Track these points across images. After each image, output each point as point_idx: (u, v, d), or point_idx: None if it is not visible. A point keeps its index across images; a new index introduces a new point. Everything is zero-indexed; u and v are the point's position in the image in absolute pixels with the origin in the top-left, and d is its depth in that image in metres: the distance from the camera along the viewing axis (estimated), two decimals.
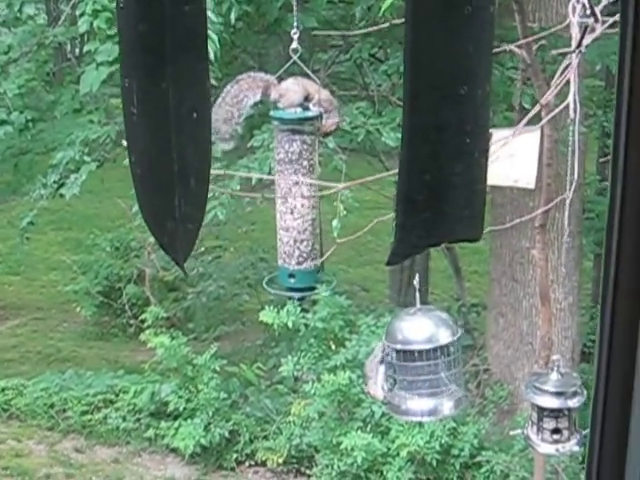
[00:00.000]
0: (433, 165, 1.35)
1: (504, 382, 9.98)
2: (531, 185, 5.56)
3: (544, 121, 4.94)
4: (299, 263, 3.93)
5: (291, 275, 3.95)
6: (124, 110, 1.45)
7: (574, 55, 3.92)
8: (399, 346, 4.26)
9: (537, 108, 5.07)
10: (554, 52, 5.63)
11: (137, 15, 1.31)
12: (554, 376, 4.14)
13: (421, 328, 4.33)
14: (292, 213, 3.98)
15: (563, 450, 4.23)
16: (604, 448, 1.39)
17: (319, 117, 3.96)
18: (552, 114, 4.79)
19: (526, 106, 7.46)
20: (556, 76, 4.60)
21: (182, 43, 1.33)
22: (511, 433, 6.01)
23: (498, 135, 5.40)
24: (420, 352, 4.23)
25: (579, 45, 3.75)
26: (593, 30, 3.78)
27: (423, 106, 1.34)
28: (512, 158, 5.22)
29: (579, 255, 9.67)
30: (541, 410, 4.14)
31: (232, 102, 3.98)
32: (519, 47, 5.58)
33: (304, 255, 3.95)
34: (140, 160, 1.51)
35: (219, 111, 3.94)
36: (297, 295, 4.38)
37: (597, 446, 1.38)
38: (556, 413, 4.10)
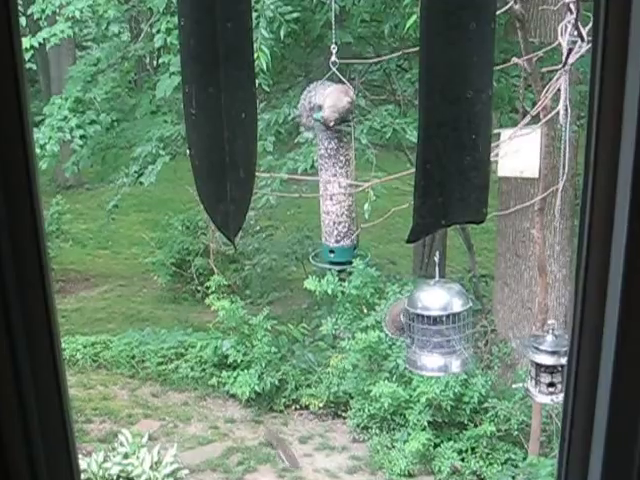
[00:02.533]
0: (444, 158, 1.34)
1: (508, 341, 9.94)
2: (535, 175, 5.53)
3: (542, 122, 4.90)
4: (337, 241, 3.96)
5: (331, 251, 3.98)
6: (185, 111, 1.46)
7: (562, 72, 3.89)
8: (419, 311, 4.27)
9: (532, 114, 5.03)
10: (545, 69, 5.59)
11: (190, 31, 1.30)
12: (550, 338, 4.12)
13: (438, 298, 4.34)
14: (331, 199, 3.99)
15: (557, 400, 4.22)
16: (577, 397, 1.37)
17: (353, 119, 3.96)
18: (548, 117, 4.75)
19: (528, 109, 7.39)
20: (546, 89, 4.57)
21: (229, 55, 1.33)
22: (513, 386, 5.99)
23: (505, 134, 5.37)
24: (435, 318, 4.23)
25: (564, 64, 3.72)
26: (580, 48, 3.75)
27: (435, 108, 1.33)
28: (518, 153, 5.19)
29: (571, 234, 9.60)
30: (538, 367, 4.12)
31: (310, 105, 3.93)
32: (521, 59, 5.54)
33: (341, 234, 3.97)
34: (198, 153, 1.51)
35: (304, 105, 3.92)
36: (336, 268, 4.41)
37: (571, 395, 1.36)
38: (551, 369, 4.09)
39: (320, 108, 3.84)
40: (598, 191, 1.26)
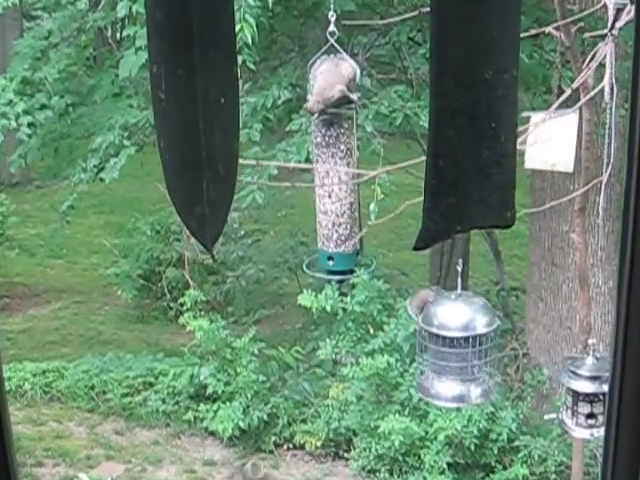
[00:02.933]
0: (460, 152, 1.35)
1: (543, 366, 9.94)
2: (569, 169, 5.52)
3: (580, 103, 4.91)
4: (337, 246, 3.97)
5: (330, 258, 3.99)
6: (152, 96, 1.46)
7: (608, 38, 3.90)
8: (435, 330, 4.27)
9: (568, 92, 5.04)
10: (587, 35, 5.60)
11: (153, 1, 1.32)
12: (589, 360, 4.14)
13: (459, 315, 4.34)
14: (330, 197, 4.01)
15: (598, 435, 4.22)
16: (620, 436, 1.38)
17: (355, 101, 3.98)
18: (588, 97, 4.76)
19: (565, 88, 7.42)
20: (587, 59, 4.57)
21: (204, 30, 1.34)
22: (545, 417, 6.00)
23: (536, 118, 5.38)
24: (454, 339, 4.23)
25: (612, 28, 3.72)
26: (628, 12, 3.75)
27: (448, 93, 1.34)
28: (550, 141, 5.19)
29: (619, 239, 9.62)
30: (576, 394, 4.14)
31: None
32: (557, 29, 5.55)
33: (342, 238, 3.98)
34: (168, 145, 1.51)
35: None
36: (336, 278, 4.42)
37: (613, 434, 1.37)
38: (591, 398, 4.10)
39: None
40: None
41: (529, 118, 5.32)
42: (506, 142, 1.36)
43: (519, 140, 5.37)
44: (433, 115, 1.35)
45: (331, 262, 3.99)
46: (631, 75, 1.29)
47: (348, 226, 3.99)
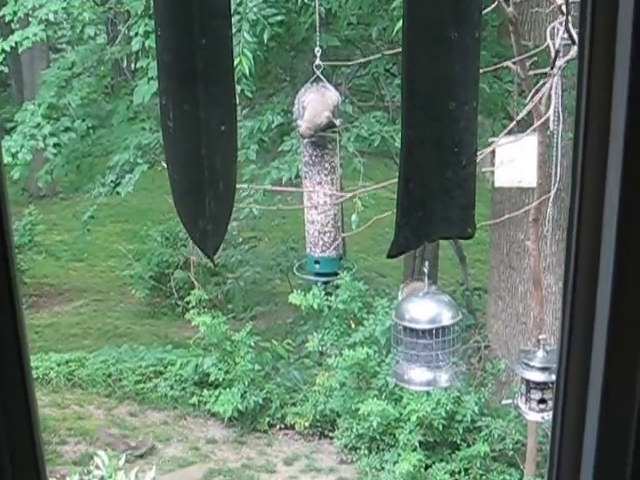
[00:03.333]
0: (427, 176, 1.36)
1: (502, 357, 9.96)
2: (533, 184, 5.54)
3: (532, 128, 4.93)
4: (323, 251, 3.99)
5: (316, 262, 4.00)
6: (161, 123, 1.47)
7: (552, 73, 3.93)
8: (406, 324, 4.28)
9: (518, 119, 5.06)
10: (532, 72, 5.62)
11: (165, 46, 1.32)
12: (540, 353, 4.15)
13: (426, 310, 4.34)
14: (316, 208, 4.01)
15: (548, 417, 4.23)
16: (565, 418, 1.39)
17: (338, 125, 3.99)
18: (539, 123, 4.78)
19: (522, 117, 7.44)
20: (532, 92, 4.59)
21: (206, 71, 1.35)
22: (503, 402, 6.00)
23: (498, 143, 5.40)
24: (423, 331, 4.24)
25: (553, 66, 3.76)
26: (572, 51, 3.78)
27: (417, 121, 1.35)
28: (514, 162, 5.20)
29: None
30: (529, 383, 4.15)
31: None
32: (514, 63, 5.57)
33: (327, 245, 3.99)
34: (175, 167, 1.52)
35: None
36: (322, 279, 4.42)
37: (560, 417, 1.38)
38: (542, 386, 4.11)
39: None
40: (585, 200, 1.29)
41: (492, 142, 5.35)
42: (467, 167, 1.37)
43: (488, 162, 5.40)
44: (404, 144, 1.37)
45: (317, 265, 4.00)
46: (575, 104, 1.30)
47: (332, 234, 4.00)
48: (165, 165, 1.56)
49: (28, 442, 1.34)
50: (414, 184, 1.37)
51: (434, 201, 1.37)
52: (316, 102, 3.86)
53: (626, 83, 1.23)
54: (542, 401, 4.13)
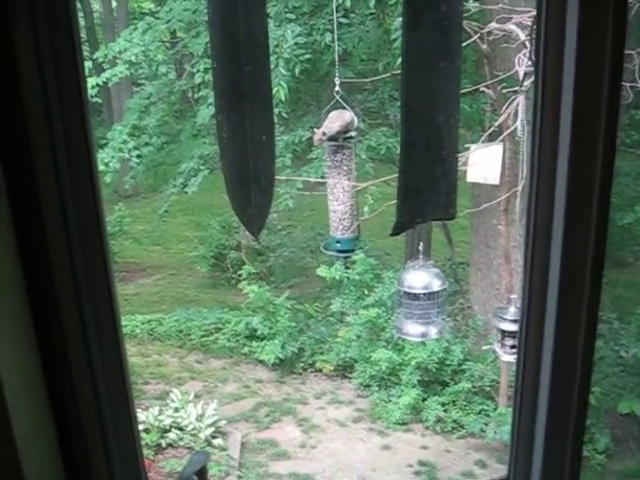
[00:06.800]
0: (419, 170, 1.36)
1: (481, 315, 9.93)
2: (496, 182, 5.51)
3: (501, 137, 4.90)
4: (342, 234, 3.99)
5: (338, 241, 4.01)
6: (217, 134, 1.48)
7: (518, 93, 3.91)
8: (405, 289, 4.28)
9: (491, 130, 5.03)
10: (505, 91, 5.58)
11: (219, 74, 1.33)
12: (512, 309, 4.13)
13: (421, 279, 4.34)
14: (337, 200, 4.02)
15: None
16: (527, 358, 1.39)
17: (353, 137, 3.99)
18: (506, 133, 4.75)
19: (495, 128, 7.40)
20: (504, 108, 4.57)
21: (252, 92, 1.35)
22: (483, 348, 6.00)
23: (473, 148, 5.37)
24: (418, 294, 4.24)
25: (521, 85, 3.74)
26: (532, 76, 3.76)
27: (411, 129, 1.35)
28: (483, 164, 5.18)
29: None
30: (503, 332, 4.13)
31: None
32: (488, 87, 5.54)
33: (345, 228, 3.99)
34: (228, 168, 1.53)
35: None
36: (342, 255, 4.42)
37: (522, 357, 1.39)
38: (513, 334, 4.10)
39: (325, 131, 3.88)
40: (540, 194, 1.29)
41: (469, 148, 5.32)
42: (450, 163, 1.37)
43: (463, 162, 5.38)
44: (402, 146, 1.37)
45: (339, 244, 4.01)
46: (532, 118, 1.30)
47: (349, 220, 4.01)
48: (221, 168, 1.57)
49: (121, 383, 1.36)
50: (409, 177, 1.37)
51: (425, 189, 1.38)
52: (333, 119, 3.87)
53: (570, 103, 1.23)
54: (514, 346, 4.12)
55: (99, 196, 1.23)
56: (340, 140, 3.89)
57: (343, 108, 3.94)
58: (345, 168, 3.95)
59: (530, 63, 3.63)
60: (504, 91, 5.63)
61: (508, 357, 4.25)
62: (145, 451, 8.13)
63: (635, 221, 10.17)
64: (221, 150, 1.53)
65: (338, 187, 3.98)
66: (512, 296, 4.32)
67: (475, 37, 5.62)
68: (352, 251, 4.22)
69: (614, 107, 1.23)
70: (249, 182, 1.49)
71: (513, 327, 4.05)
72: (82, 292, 1.26)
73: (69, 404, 1.28)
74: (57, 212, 1.19)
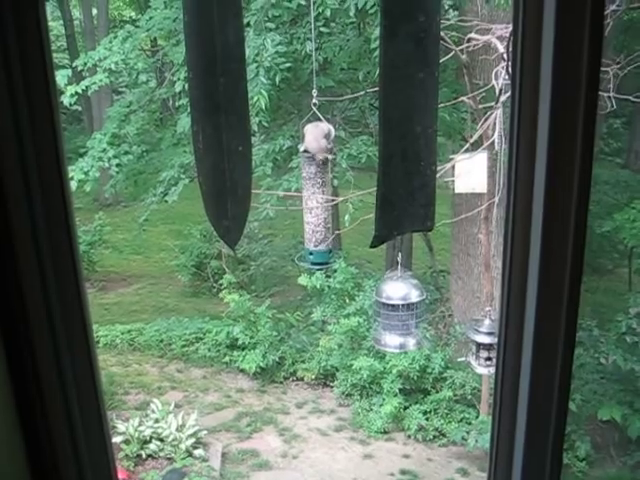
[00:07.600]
0: (397, 183, 1.35)
1: (462, 323, 9.95)
2: (484, 190, 5.52)
3: (483, 147, 4.92)
4: (315, 245, 3.94)
5: (311, 253, 3.96)
6: (193, 145, 1.46)
7: (496, 107, 3.92)
8: (383, 300, 4.25)
9: (472, 141, 5.05)
10: (482, 106, 5.60)
11: (194, 85, 1.32)
12: (487, 321, 4.13)
13: (399, 290, 4.32)
14: (311, 212, 3.98)
15: (493, 371, 4.22)
16: (505, 371, 1.39)
17: (330, 149, 3.97)
18: (487, 143, 4.77)
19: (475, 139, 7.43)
20: (481, 121, 4.59)
21: (227, 103, 1.34)
22: (458, 360, 6.00)
23: (458, 158, 5.38)
24: (396, 305, 4.22)
25: (497, 101, 3.75)
26: (509, 89, 3.77)
27: (390, 140, 1.34)
28: (469, 174, 5.19)
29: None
30: (478, 345, 4.13)
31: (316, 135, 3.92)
32: (468, 98, 5.56)
33: (318, 240, 3.95)
34: (204, 179, 1.51)
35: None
36: (315, 267, 4.37)
37: (500, 370, 1.38)
38: (488, 347, 4.10)
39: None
40: (518, 204, 1.29)
41: (452, 158, 5.33)
42: (427, 175, 1.36)
43: (450, 174, 5.39)
44: (380, 157, 1.36)
45: (311, 256, 3.96)
46: (509, 128, 1.30)
47: (322, 232, 3.95)
48: (197, 178, 1.55)
49: (92, 392, 1.33)
50: (387, 189, 1.36)
51: (402, 202, 1.36)
52: (312, 131, 3.85)
53: (547, 113, 1.22)
54: (488, 359, 4.12)
55: (70, 205, 1.20)
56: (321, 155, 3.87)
57: (318, 119, 3.91)
58: (319, 181, 3.91)
59: (507, 77, 3.63)
60: (480, 106, 5.66)
61: (482, 369, 4.24)
62: (125, 462, 8.05)
63: (614, 229, 10.25)
64: (197, 161, 1.52)
65: (312, 199, 3.95)
66: (487, 308, 4.32)
67: (456, 49, 5.65)
68: (326, 264, 4.17)
69: (591, 117, 1.23)
70: (225, 193, 1.48)
71: (488, 339, 4.05)
72: (51, 297, 1.24)
73: (37, 413, 1.25)
74: (26, 220, 1.16)
